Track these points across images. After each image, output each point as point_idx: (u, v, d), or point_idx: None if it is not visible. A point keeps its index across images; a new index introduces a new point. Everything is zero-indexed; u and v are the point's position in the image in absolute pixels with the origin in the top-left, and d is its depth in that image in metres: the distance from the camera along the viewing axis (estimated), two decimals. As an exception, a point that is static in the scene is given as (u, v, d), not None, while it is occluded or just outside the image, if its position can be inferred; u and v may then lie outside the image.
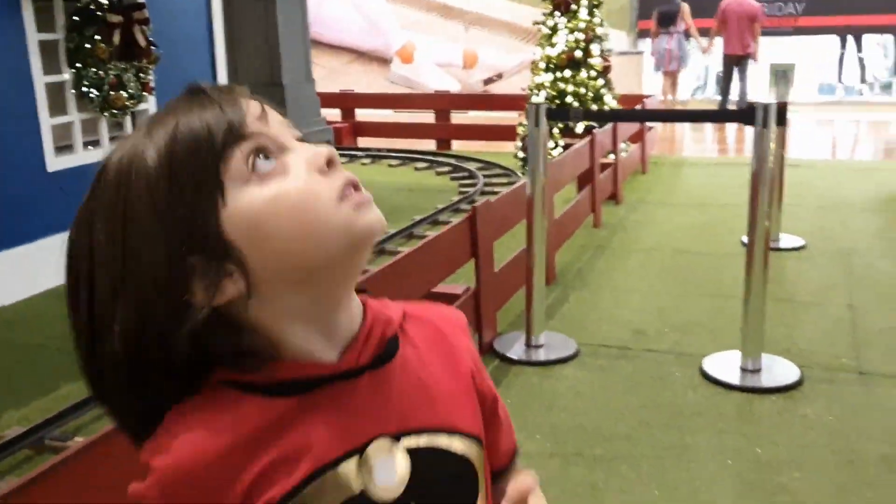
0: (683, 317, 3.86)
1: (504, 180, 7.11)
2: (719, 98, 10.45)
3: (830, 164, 7.78)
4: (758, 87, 11.86)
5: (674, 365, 3.33)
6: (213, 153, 0.64)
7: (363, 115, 9.70)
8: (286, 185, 0.64)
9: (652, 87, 12.97)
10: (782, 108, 2.93)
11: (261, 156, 0.65)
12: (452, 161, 7.99)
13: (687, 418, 2.90)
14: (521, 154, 7.63)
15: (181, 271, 0.62)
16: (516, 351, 3.50)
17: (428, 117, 9.29)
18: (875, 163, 8.14)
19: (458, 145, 9.05)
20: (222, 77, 5.84)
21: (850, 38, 11.57)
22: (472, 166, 7.71)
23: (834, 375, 3.17)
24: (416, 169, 7.96)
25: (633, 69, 12.16)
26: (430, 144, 9.03)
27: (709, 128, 10.15)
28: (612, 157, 6.32)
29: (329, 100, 8.71)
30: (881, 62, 12.42)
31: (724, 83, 10.38)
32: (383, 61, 13.31)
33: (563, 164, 4.77)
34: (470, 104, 9.42)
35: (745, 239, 5.07)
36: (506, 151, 8.01)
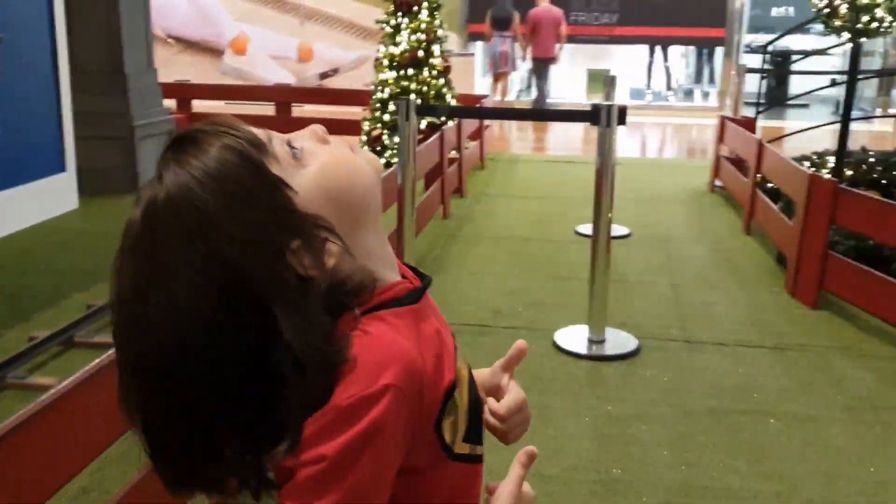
0: (534, 297, 4.24)
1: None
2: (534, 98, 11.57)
3: (643, 162, 8.61)
4: (562, 87, 12.85)
5: (529, 338, 3.60)
6: (262, 157, 0.78)
7: (199, 106, 9.51)
8: (322, 158, 0.82)
9: (481, 88, 13.59)
10: (622, 111, 3.35)
11: (289, 145, 0.82)
12: (296, 154, 8.06)
13: (546, 383, 3.25)
14: (366, 148, 7.87)
15: (288, 260, 0.75)
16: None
17: (266, 110, 9.27)
18: (680, 160, 9.05)
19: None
20: (63, 64, 5.63)
21: (658, 48, 12.70)
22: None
23: (665, 344, 3.66)
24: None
25: (466, 70, 12.69)
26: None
27: (529, 127, 10.85)
28: (455, 153, 6.69)
29: (165, 90, 8.49)
30: (684, 71, 13.70)
31: (540, 83, 11.38)
32: (215, 52, 13.05)
33: (420, 154, 5.03)
34: (313, 98, 9.50)
35: (579, 228, 5.63)
36: (348, 146, 8.21)
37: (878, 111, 12.04)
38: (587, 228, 5.58)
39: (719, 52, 12.50)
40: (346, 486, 0.71)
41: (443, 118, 7.48)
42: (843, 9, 4.43)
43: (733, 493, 2.55)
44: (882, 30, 4.37)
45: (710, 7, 12.14)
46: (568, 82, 13.06)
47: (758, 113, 6.55)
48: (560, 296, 4.27)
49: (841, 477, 2.63)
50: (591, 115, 3.37)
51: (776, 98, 13.40)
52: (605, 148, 3.43)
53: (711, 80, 13.05)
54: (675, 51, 13.22)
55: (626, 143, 10.14)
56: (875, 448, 2.81)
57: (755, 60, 10.23)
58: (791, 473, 2.65)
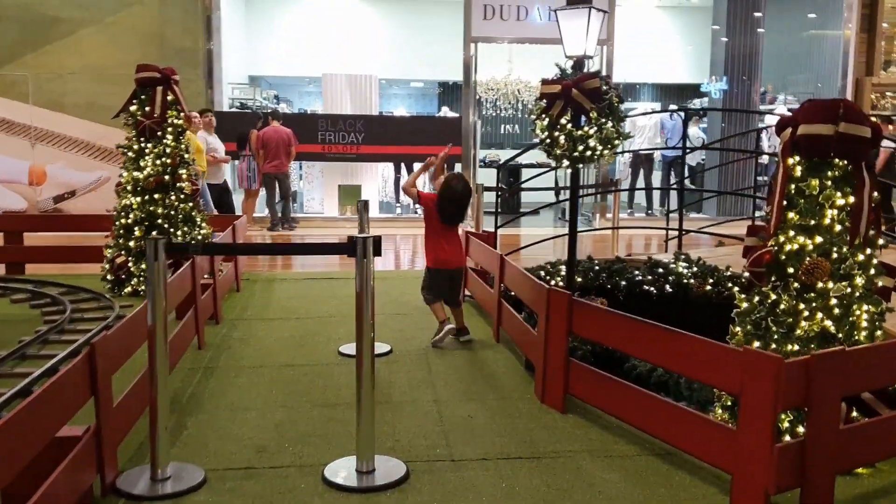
0: (300, 429, 4.18)
1: (94, 305, 6.84)
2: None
3: (397, 275, 8.90)
4: (316, 202, 13.14)
5: (298, 477, 3.61)
6: None
7: None
8: None
9: (238, 206, 13.45)
10: (377, 241, 3.50)
11: None
12: (29, 287, 7.42)
13: (319, 523, 3.19)
14: (109, 277, 7.43)
15: None
16: (142, 487, 3.47)
17: (-4, 239, 8.51)
18: None
19: (32, 268, 8.43)
20: None
21: (402, 165, 13.40)
22: (53, 291, 7.25)
23: (433, 465, 3.75)
24: (-15, 298, 7.23)
25: (216, 188, 12.53)
26: (-2, 269, 8.29)
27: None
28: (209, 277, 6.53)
29: None
30: (429, 185, 14.48)
31: (270, 200, 11.82)
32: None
33: (169, 289, 4.84)
34: (49, 225, 8.84)
35: (342, 348, 5.68)
36: (89, 273, 7.72)
37: (598, 216, 13.51)
38: (350, 348, 5.65)
39: (459, 167, 13.42)
40: None
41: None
42: (562, 139, 4.99)
43: None
44: (595, 156, 4.95)
45: (447, 127, 13.07)
46: (325, 197, 13.35)
47: (496, 227, 7.09)
48: (327, 425, 4.24)
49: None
50: (348, 248, 3.48)
51: (512, 208, 14.64)
52: (363, 278, 3.54)
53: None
54: (418, 167, 13.99)
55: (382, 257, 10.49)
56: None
57: (490, 174, 11.10)
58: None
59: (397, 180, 13.61)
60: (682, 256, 5.71)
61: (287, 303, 7.25)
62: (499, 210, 7.45)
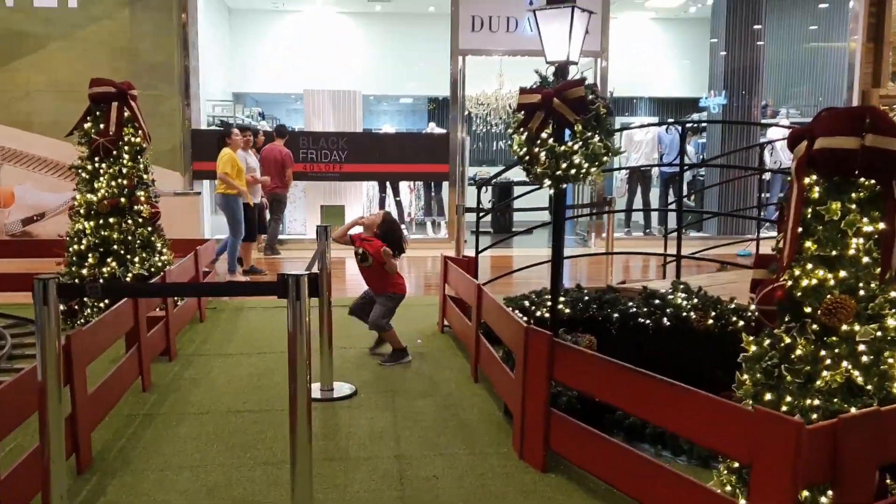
0: (236, 494, 3.59)
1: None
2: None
3: (379, 302, 8.27)
4: (299, 223, 12.56)
5: None
6: None
7: None
8: None
9: (210, 227, 12.90)
10: (314, 280, 2.92)
11: None
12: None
13: None
14: (61, 307, 6.84)
15: None
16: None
17: (-58, 268, 7.93)
18: (413, 299, 8.71)
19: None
20: None
21: (388, 184, 12.83)
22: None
23: (384, 542, 3.15)
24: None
25: (190, 209, 11.96)
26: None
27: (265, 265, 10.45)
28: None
29: None
30: (415, 204, 13.95)
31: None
32: None
33: (99, 328, 4.26)
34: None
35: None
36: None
37: (593, 235, 12.94)
38: (313, 390, 5.07)
39: (446, 186, 12.88)
40: None
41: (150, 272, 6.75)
42: (543, 156, 4.42)
43: None
44: (581, 175, 4.38)
45: (434, 144, 12.53)
46: (307, 218, 12.78)
47: (477, 252, 6.51)
48: (269, 490, 3.65)
49: None
50: (278, 288, 2.90)
51: (504, 228, 14.07)
52: (296, 323, 2.96)
53: (441, 213, 13.37)
54: (405, 186, 13.44)
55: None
56: None
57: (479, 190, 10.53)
58: None
59: (382, 199, 13.05)
60: (682, 286, 5.13)
61: (252, 335, 6.66)
62: (479, 232, 6.83)
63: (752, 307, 3.39)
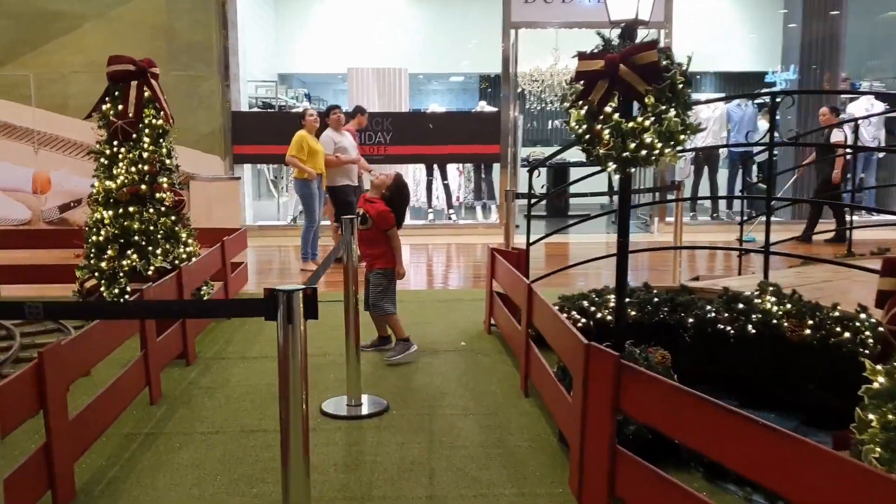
0: (231, 547, 2.97)
1: (51, 339, 5.75)
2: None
3: (418, 297, 7.58)
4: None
5: None
6: None
7: None
8: None
9: (255, 214, 12.43)
10: (311, 297, 2.26)
11: None
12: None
13: None
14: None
15: None
16: None
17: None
18: (458, 293, 8.00)
19: (7, 290, 7.46)
20: None
21: (436, 166, 12.14)
22: (10, 319, 6.22)
23: None
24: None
25: (230, 195, 11.48)
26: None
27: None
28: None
29: None
30: (465, 186, 13.25)
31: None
32: (-74, 186, 11.05)
33: (81, 341, 3.67)
34: (18, 242, 7.84)
35: (325, 405, 4.46)
36: (64, 297, 6.64)
37: (656, 220, 12.07)
38: (335, 404, 4.45)
39: (497, 168, 12.13)
40: None
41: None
42: (607, 134, 3.67)
43: None
44: (653, 157, 3.62)
45: (484, 124, 11.81)
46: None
47: (529, 244, 5.78)
48: (270, 539, 3.03)
49: None
50: (265, 307, 2.25)
51: (560, 212, 13.27)
52: (287, 348, 2.31)
53: (491, 196, 12.63)
54: (453, 168, 12.74)
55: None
56: None
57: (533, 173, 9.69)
58: None
59: (429, 183, 12.35)
60: (771, 287, 4.34)
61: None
62: (530, 221, 6.04)
63: (882, 325, 2.62)
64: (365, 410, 4.37)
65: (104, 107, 6.45)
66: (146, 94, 6.40)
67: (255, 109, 13.07)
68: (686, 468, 3.54)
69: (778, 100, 5.57)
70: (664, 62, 3.68)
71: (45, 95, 10.95)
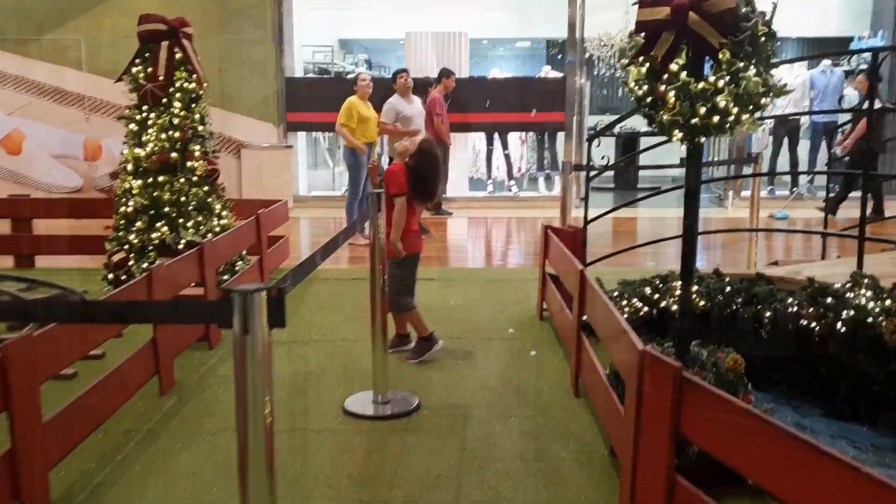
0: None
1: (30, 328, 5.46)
2: None
3: (468, 275, 7.03)
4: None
5: None
6: None
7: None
8: None
9: (310, 184, 12.09)
10: (278, 300, 1.76)
11: None
12: (17, 287, 6.16)
13: None
14: (110, 276, 6.05)
15: None
16: None
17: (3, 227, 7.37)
18: (513, 272, 7.38)
19: (44, 261, 7.24)
20: None
21: (496, 136, 11.51)
22: (40, 293, 5.97)
23: None
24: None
25: (282, 164, 11.13)
26: (4, 261, 7.15)
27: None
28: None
29: None
30: (528, 157, 12.61)
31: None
32: (-20, 152, 11.01)
33: (60, 331, 3.26)
34: (55, 210, 7.59)
35: (348, 403, 4.00)
36: (99, 269, 6.32)
37: (731, 193, 11.24)
38: (360, 402, 3.99)
39: (561, 137, 11.44)
40: None
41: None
42: (672, 97, 3.06)
43: None
44: (728, 125, 3.00)
45: (548, 91, 11.14)
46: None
47: (587, 222, 5.17)
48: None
49: None
50: (215, 313, 1.76)
51: (629, 184, 12.54)
52: (246, 368, 1.82)
53: (555, 166, 11.94)
54: (514, 137, 12.09)
55: (460, 246, 8.74)
56: None
57: (606, 145, 8.95)
58: None
59: (489, 153, 11.73)
60: (866, 280, 3.67)
61: (314, 316, 5.65)
62: (588, 196, 5.39)
63: None
64: (392, 409, 3.89)
65: (134, 69, 6.09)
66: (178, 55, 6.01)
67: (311, 75, 12.66)
68: (761, 497, 2.96)
69: (881, 57, 4.81)
70: (744, 9, 3.04)
71: (97, 60, 10.74)
